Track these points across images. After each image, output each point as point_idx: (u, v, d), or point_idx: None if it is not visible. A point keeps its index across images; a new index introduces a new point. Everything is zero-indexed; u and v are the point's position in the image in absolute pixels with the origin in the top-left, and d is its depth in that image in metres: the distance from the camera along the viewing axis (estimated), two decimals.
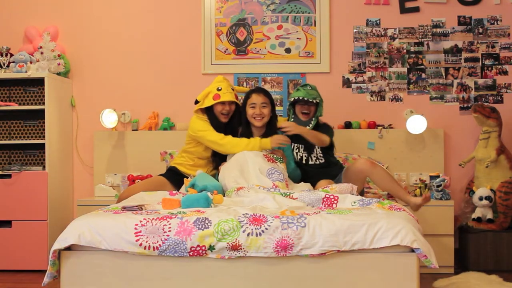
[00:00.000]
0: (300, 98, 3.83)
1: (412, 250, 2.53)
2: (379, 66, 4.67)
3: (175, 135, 4.62)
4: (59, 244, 2.62)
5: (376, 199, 3.01)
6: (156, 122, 4.73)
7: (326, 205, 2.99)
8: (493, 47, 4.60)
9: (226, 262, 2.57)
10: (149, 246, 2.57)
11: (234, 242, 2.54)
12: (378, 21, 4.67)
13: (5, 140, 4.45)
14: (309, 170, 3.80)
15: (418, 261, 2.54)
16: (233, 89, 3.82)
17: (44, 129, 4.40)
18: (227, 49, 4.75)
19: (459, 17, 4.63)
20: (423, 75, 4.64)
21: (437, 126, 4.59)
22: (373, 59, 4.67)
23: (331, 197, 3.03)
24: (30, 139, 4.43)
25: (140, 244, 2.57)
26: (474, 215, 4.25)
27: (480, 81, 4.61)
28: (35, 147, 4.46)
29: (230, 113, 3.81)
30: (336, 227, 2.55)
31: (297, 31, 4.70)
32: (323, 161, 3.84)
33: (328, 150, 3.88)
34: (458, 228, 4.41)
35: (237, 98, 3.85)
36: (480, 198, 4.22)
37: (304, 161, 3.84)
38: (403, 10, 4.66)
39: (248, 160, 3.51)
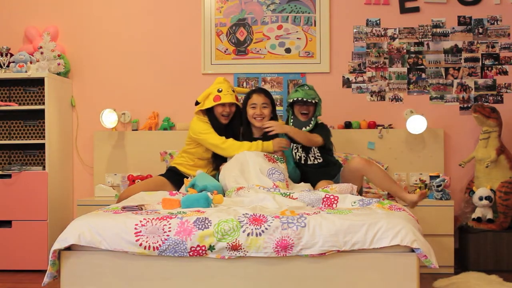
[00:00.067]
0: (299, 99, 3.82)
1: (412, 250, 2.53)
2: (379, 66, 4.67)
3: (175, 135, 4.62)
4: (59, 244, 2.61)
5: (376, 199, 3.01)
6: (156, 122, 4.73)
7: (326, 205, 2.99)
8: (493, 47, 4.60)
9: (226, 262, 2.57)
10: (149, 246, 2.56)
11: (234, 242, 2.54)
12: (378, 21, 4.67)
13: (5, 140, 4.45)
14: (308, 170, 3.79)
15: (418, 261, 2.54)
16: (233, 91, 3.82)
17: (44, 129, 4.40)
18: (227, 49, 4.75)
19: (459, 17, 4.63)
20: (423, 75, 4.64)
21: (437, 126, 4.58)
22: (373, 59, 4.67)
23: (331, 197, 3.03)
24: (30, 139, 4.43)
25: (140, 244, 2.57)
26: (474, 215, 4.25)
27: (480, 81, 4.61)
28: (35, 147, 4.45)
29: (230, 114, 3.81)
30: (336, 227, 2.54)
31: (297, 31, 4.70)
32: (321, 160, 3.84)
33: (325, 149, 3.88)
34: (458, 228, 4.41)
35: (237, 99, 3.85)
36: (480, 198, 4.22)
37: (302, 161, 3.84)
38: (403, 10, 4.66)
39: (249, 160, 3.51)
